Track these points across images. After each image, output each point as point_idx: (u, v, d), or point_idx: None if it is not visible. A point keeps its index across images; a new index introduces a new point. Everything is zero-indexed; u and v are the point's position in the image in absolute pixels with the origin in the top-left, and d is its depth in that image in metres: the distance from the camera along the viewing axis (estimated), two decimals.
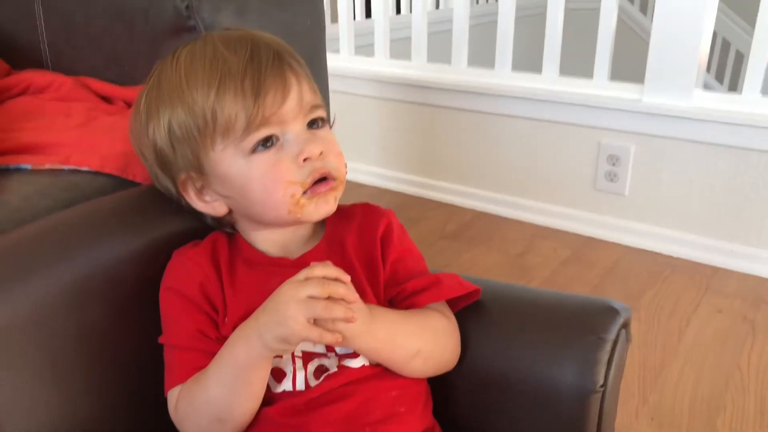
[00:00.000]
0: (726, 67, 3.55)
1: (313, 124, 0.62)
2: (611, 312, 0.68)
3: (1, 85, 0.95)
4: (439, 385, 0.68)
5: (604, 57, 1.80)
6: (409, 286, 0.64)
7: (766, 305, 1.54)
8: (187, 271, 0.63)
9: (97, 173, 0.77)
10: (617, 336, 0.66)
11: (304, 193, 0.60)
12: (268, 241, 0.66)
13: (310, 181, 0.60)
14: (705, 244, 1.74)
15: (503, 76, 1.98)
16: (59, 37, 1.04)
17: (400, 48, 2.31)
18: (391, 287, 0.65)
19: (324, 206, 0.62)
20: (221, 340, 0.61)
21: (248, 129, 0.58)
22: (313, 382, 0.60)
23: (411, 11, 2.74)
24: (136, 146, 0.66)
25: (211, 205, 0.64)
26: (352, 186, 2.17)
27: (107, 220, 0.66)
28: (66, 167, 0.77)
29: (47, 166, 0.76)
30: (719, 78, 3.61)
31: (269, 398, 0.60)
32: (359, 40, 2.32)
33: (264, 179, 0.59)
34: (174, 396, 0.61)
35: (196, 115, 0.59)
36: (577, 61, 2.30)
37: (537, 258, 1.78)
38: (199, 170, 0.62)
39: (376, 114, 2.22)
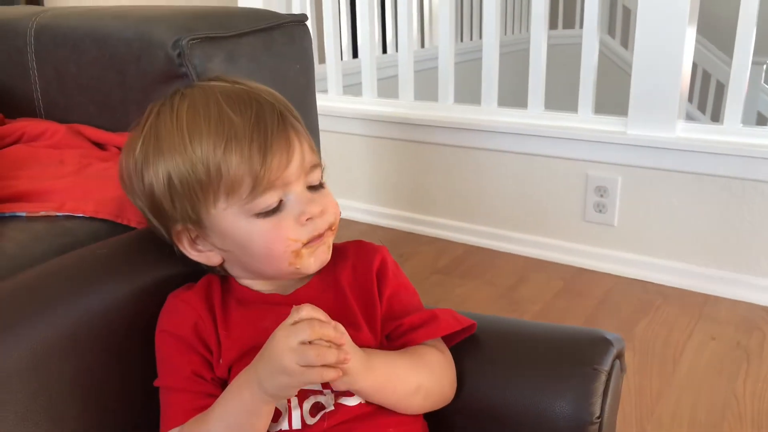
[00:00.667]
0: (708, 97, 3.63)
1: (312, 183, 0.63)
2: (605, 343, 0.69)
3: None
4: (435, 420, 0.68)
5: (587, 91, 1.84)
6: (406, 321, 0.65)
7: (759, 331, 1.55)
8: (181, 314, 0.64)
9: (91, 218, 0.78)
10: (611, 367, 0.66)
11: (305, 245, 0.62)
12: (260, 282, 0.67)
13: (310, 238, 0.62)
14: (695, 272, 1.75)
15: (490, 112, 2.01)
16: (52, 86, 1.06)
17: (387, 86, 2.35)
18: (388, 322, 0.65)
19: (322, 255, 0.63)
20: (216, 381, 0.61)
21: (254, 192, 0.59)
22: (309, 421, 0.60)
23: (397, 50, 2.80)
24: (128, 190, 0.66)
25: (205, 255, 0.65)
26: (345, 223, 2.18)
27: (101, 266, 0.67)
28: (60, 214, 0.77)
29: (42, 213, 0.77)
30: (701, 108, 3.68)
31: None
32: (347, 80, 2.36)
33: (266, 238, 0.60)
34: None
35: (200, 172, 0.59)
36: (562, 94, 2.35)
37: (529, 291, 1.78)
38: (197, 224, 0.62)
39: (365, 152, 2.25)
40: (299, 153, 0.61)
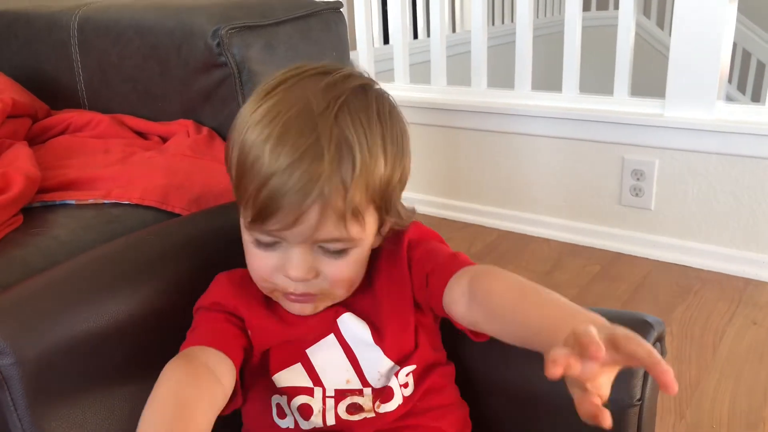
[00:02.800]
0: (747, 77, 3.54)
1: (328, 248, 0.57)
2: (645, 326, 0.69)
3: (43, 125, 0.99)
4: (477, 402, 0.69)
5: (623, 73, 1.81)
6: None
7: None
8: (223, 289, 0.64)
9: (137, 206, 0.80)
10: None
11: (283, 294, 0.60)
12: None
13: (286, 293, 0.59)
14: (735, 255, 1.72)
15: (523, 96, 2.00)
16: (95, 77, 1.09)
17: (419, 72, 2.35)
18: (424, 289, 0.63)
19: (306, 309, 0.61)
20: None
21: (250, 225, 0.56)
22: (344, 417, 0.60)
23: (428, 35, 2.79)
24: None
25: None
26: None
27: (151, 254, 0.69)
28: (108, 201, 0.80)
29: (90, 201, 0.79)
30: (741, 89, 3.59)
31: None
32: (378, 66, 2.36)
33: (249, 259, 0.60)
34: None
35: (234, 159, 0.57)
36: (596, 77, 2.31)
37: (565, 275, 1.78)
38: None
39: None
40: (311, 225, 0.54)
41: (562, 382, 0.66)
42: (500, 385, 0.70)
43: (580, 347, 0.41)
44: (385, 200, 0.58)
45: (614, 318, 0.71)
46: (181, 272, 0.68)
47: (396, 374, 0.61)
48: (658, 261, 1.82)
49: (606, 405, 0.65)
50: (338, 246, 0.57)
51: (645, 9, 3.76)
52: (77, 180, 0.82)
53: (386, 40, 2.69)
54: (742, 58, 3.53)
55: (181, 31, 0.94)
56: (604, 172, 1.88)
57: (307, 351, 0.62)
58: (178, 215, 0.80)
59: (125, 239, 0.71)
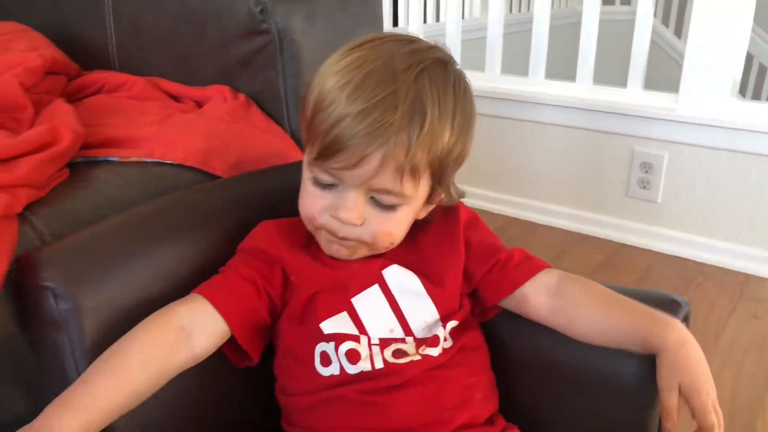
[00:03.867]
0: (749, 79, 3.56)
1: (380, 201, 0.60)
2: (674, 304, 0.71)
3: (78, 84, 1.00)
4: (501, 373, 0.71)
5: (638, 66, 1.83)
6: (502, 256, 0.69)
7: None
8: (269, 235, 0.66)
9: (179, 166, 0.81)
10: None
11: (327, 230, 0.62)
12: None
13: (329, 230, 0.62)
14: (738, 251, 1.76)
15: (537, 84, 2.01)
16: (128, 38, 1.09)
17: None
18: (481, 264, 0.68)
19: (338, 252, 0.64)
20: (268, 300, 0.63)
21: (314, 161, 0.59)
22: (391, 360, 0.62)
23: (438, 20, 2.79)
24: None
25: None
26: None
27: (198, 210, 0.70)
28: (150, 160, 0.81)
29: (133, 159, 0.80)
30: (742, 91, 3.62)
31: (345, 380, 0.62)
32: None
33: (303, 196, 0.63)
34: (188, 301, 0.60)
35: (310, 103, 0.59)
36: (609, 70, 2.32)
37: (570, 263, 1.80)
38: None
39: None
40: (369, 171, 0.57)
41: (586, 352, 0.68)
42: (520, 355, 0.72)
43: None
44: (442, 169, 0.61)
45: (645, 296, 0.74)
46: (228, 229, 0.69)
47: (444, 325, 0.65)
48: (661, 253, 1.85)
49: (634, 382, 0.67)
50: (390, 200, 0.60)
51: (664, 17, 3.76)
52: (119, 138, 0.83)
53: (396, 23, 2.69)
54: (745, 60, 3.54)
55: None
56: (613, 163, 1.90)
57: (352, 300, 0.64)
58: (219, 177, 0.82)
59: (172, 195, 0.72)
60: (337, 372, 0.62)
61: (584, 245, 1.91)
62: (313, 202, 0.61)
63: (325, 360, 0.62)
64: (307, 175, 0.62)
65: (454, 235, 0.68)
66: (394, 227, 0.62)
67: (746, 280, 1.71)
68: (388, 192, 0.59)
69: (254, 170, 0.81)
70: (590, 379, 0.70)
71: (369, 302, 0.64)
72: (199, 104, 0.98)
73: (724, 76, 1.69)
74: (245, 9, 0.91)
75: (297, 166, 0.65)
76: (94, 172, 0.77)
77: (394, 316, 0.64)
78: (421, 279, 0.66)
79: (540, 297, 0.68)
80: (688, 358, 0.60)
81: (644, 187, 1.86)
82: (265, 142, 0.90)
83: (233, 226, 0.69)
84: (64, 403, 0.51)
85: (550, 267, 0.70)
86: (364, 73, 0.56)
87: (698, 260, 1.80)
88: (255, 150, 0.87)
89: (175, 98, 1.02)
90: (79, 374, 0.55)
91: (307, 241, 0.67)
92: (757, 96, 3.52)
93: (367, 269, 0.65)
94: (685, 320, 0.72)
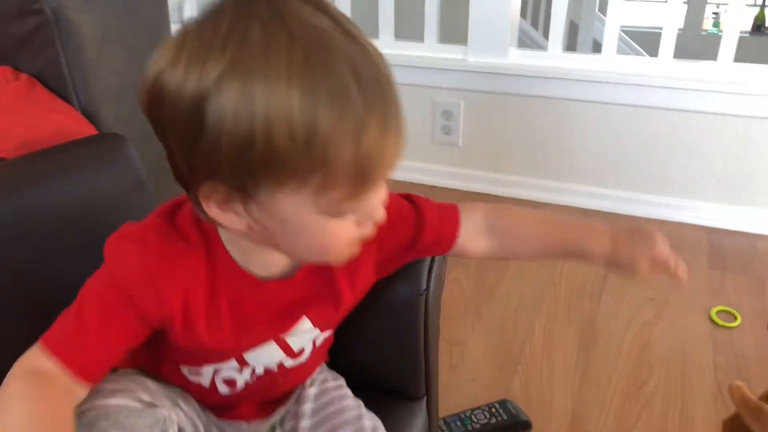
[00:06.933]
0: (539, 14, 3.81)
1: None
2: None
3: None
4: None
5: (432, 22, 1.99)
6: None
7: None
8: (142, 279, 0.51)
9: None
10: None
11: None
12: (265, 263, 0.57)
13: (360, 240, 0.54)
14: (530, 183, 2.00)
15: None
16: None
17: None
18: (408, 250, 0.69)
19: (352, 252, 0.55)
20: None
21: (345, 201, 0.47)
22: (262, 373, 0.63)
23: None
24: (151, 106, 0.47)
25: (227, 217, 0.49)
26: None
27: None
28: None
29: None
30: (534, 24, 3.87)
31: (212, 389, 0.62)
32: None
33: (326, 240, 0.50)
34: (34, 355, 0.50)
35: (297, 135, 0.43)
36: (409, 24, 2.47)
37: None
38: (244, 192, 0.47)
39: None
40: (402, 142, 0.49)
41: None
42: None
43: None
44: None
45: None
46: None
47: (314, 341, 0.64)
48: (467, 191, 2.06)
49: (402, 296, 0.79)
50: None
51: None
52: None
53: None
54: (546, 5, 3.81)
55: None
56: (418, 112, 2.07)
57: (244, 355, 0.60)
58: (3, 159, 0.83)
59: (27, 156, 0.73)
60: (206, 385, 0.61)
61: (398, 190, 2.06)
62: (346, 232, 0.51)
63: (196, 374, 0.61)
64: (317, 218, 0.48)
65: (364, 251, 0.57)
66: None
67: (552, 211, 1.96)
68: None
69: (42, 149, 0.83)
70: (377, 304, 0.80)
71: (260, 352, 0.60)
72: None
73: (503, 27, 1.89)
74: None
75: (82, 143, 0.67)
76: None
77: (284, 354, 0.62)
78: (315, 318, 0.61)
79: (476, 241, 0.69)
80: (622, 243, 0.66)
81: (447, 133, 2.05)
82: (53, 121, 0.91)
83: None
84: None
85: (457, 207, 0.70)
86: (327, 66, 0.44)
87: (503, 195, 2.03)
88: (42, 129, 0.89)
89: None
90: None
91: (208, 271, 0.54)
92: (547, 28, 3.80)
93: (272, 325, 0.59)
94: None
